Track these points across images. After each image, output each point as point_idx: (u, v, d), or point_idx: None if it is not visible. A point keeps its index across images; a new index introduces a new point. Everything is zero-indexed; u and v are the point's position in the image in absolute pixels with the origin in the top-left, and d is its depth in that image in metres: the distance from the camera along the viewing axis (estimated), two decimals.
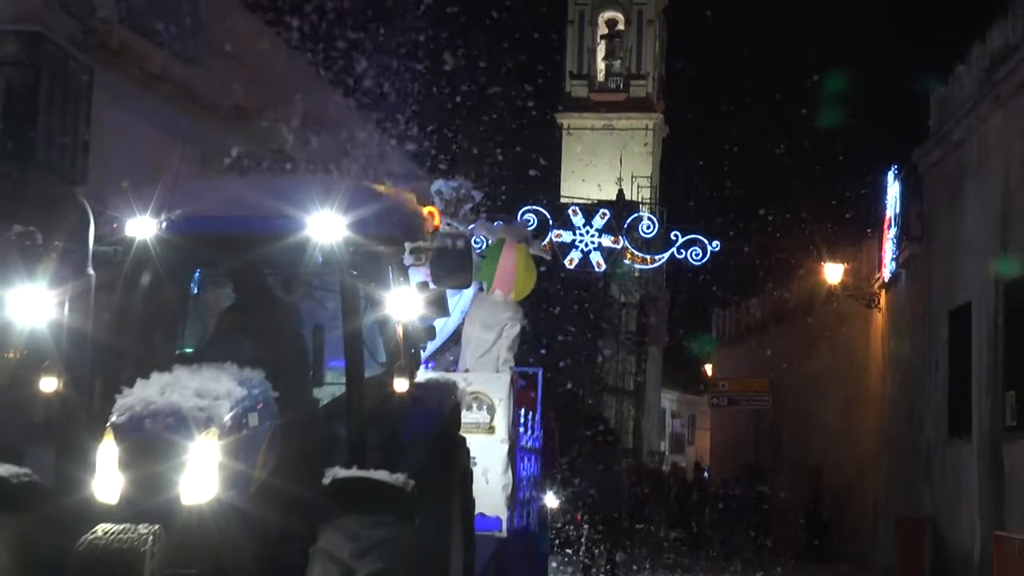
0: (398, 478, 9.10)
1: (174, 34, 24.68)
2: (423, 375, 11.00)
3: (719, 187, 43.46)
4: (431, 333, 10.98)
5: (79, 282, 9.24)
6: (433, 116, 20.47)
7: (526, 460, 14.80)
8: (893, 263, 27.93)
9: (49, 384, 9.12)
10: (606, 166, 51.27)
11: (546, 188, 45.19)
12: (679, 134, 56.97)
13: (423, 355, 11.22)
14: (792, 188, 43.54)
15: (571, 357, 36.76)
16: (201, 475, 8.58)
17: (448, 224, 13.82)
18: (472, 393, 13.31)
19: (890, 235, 27.76)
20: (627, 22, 56.52)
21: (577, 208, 38.45)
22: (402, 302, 9.86)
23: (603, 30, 56.97)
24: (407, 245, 9.97)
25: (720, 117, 56.12)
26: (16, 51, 21.73)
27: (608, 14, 56.85)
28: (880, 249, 28.72)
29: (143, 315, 9.83)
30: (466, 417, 12.99)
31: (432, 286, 9.98)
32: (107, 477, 8.61)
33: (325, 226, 9.58)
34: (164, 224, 9.58)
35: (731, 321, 47.48)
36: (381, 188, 10.31)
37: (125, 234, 9.68)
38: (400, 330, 10.07)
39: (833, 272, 31.49)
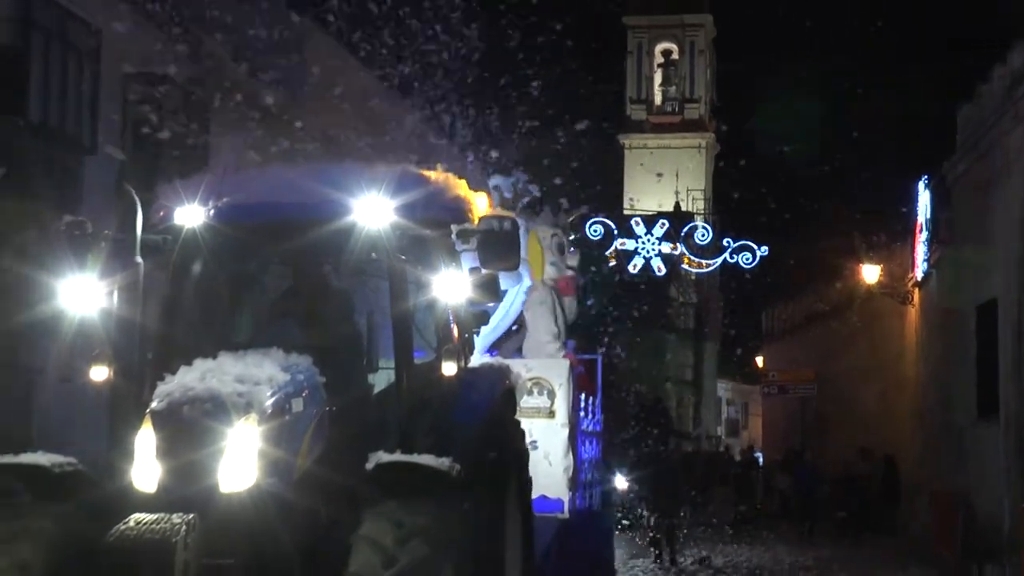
0: (443, 462, 7.57)
1: (279, 70, 23.86)
2: (478, 360, 9.47)
3: (767, 197, 42.20)
4: (483, 318, 9.45)
5: (128, 271, 7.88)
6: (508, 141, 19.24)
7: (587, 443, 13.23)
8: (925, 264, 27.09)
9: (99, 373, 7.79)
10: (664, 181, 50.12)
11: (611, 201, 44.19)
12: (730, 150, 55.88)
13: (477, 340, 9.70)
14: (833, 197, 42.08)
15: (636, 352, 35.59)
16: (240, 462, 7.17)
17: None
18: (532, 378, 11.80)
19: (922, 239, 27.03)
20: (680, 52, 55.98)
21: (639, 219, 37.57)
22: (451, 286, 8.38)
23: (659, 59, 56.47)
24: (454, 228, 8.45)
25: (766, 134, 54.66)
26: (143, 91, 21.21)
27: (663, 45, 56.27)
28: (913, 251, 28.01)
29: (192, 303, 8.48)
30: (527, 402, 11.62)
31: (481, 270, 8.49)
32: (145, 465, 7.22)
33: (372, 210, 8.16)
34: (212, 212, 8.20)
35: (779, 317, 46.24)
36: (428, 172, 8.81)
37: (174, 222, 8.32)
38: (451, 315, 8.63)
39: (870, 272, 30.64)
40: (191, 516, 6.96)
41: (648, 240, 36.25)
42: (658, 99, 56.24)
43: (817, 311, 40.10)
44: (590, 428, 13.33)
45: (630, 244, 36.07)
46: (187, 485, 7.12)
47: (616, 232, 36.06)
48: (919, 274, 27.62)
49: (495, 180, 12.61)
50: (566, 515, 11.95)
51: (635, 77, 56.00)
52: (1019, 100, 20.54)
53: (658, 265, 36.50)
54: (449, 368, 8.17)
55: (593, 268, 25.01)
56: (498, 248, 8.23)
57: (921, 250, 26.99)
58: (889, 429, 31.55)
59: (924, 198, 26.55)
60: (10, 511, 7.47)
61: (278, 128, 21.85)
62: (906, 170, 30.38)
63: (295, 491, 7.40)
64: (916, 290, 28.69)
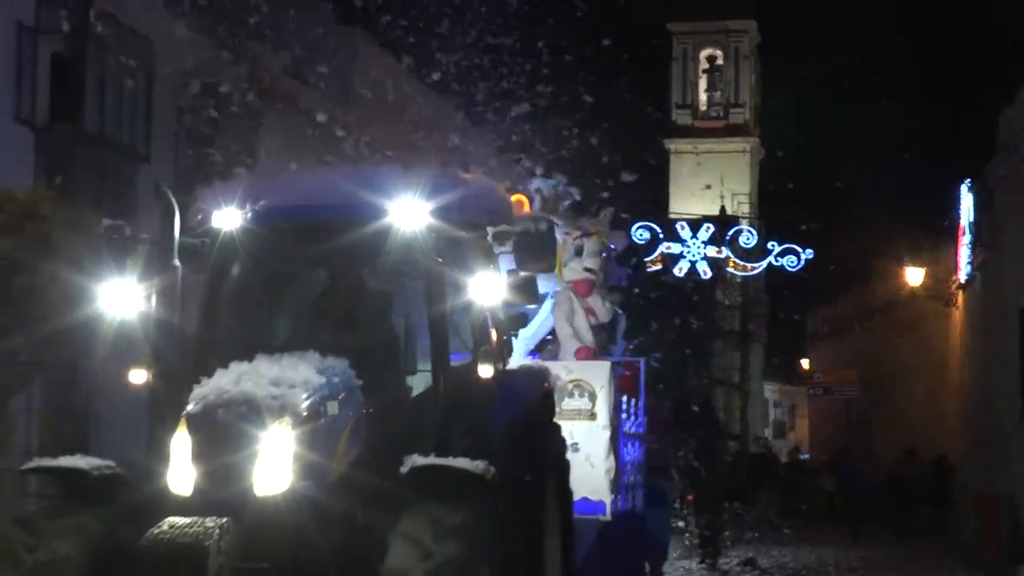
0: (478, 465, 7.33)
1: (327, 80, 23.89)
2: (517, 362, 9.25)
3: (812, 200, 41.80)
4: (522, 320, 9.23)
5: (166, 274, 7.74)
6: (553, 150, 19.02)
7: (629, 445, 13.00)
8: (968, 266, 26.74)
9: (138, 376, 7.66)
10: (709, 185, 49.78)
11: (656, 207, 43.83)
12: (774, 154, 55.37)
13: (516, 343, 9.48)
14: (876, 200, 41.57)
15: (682, 355, 35.24)
16: (275, 465, 6.96)
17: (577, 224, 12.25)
18: (573, 380, 11.57)
19: (965, 241, 26.66)
20: (725, 58, 55.39)
21: (684, 223, 37.24)
22: (488, 288, 8.14)
23: (704, 65, 55.88)
24: (490, 229, 8.25)
25: (811, 137, 54.22)
26: (197, 99, 21.43)
27: (708, 51, 55.69)
28: (956, 254, 27.39)
29: (230, 306, 8.29)
30: (568, 404, 11.42)
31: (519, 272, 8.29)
32: (181, 468, 7.06)
33: (408, 212, 7.94)
34: (248, 214, 8.01)
35: (824, 319, 45.72)
36: (464, 175, 8.62)
37: (212, 225, 8.14)
38: (489, 317, 8.40)
39: (914, 275, 30.15)
40: (225, 520, 6.78)
41: (693, 244, 36.00)
42: (703, 104, 55.84)
43: (862, 313, 39.65)
44: (632, 430, 13.11)
45: (676, 248, 35.87)
46: (222, 488, 6.95)
47: (662, 236, 35.86)
48: (962, 277, 27.26)
49: (536, 183, 12.42)
50: (608, 517, 11.73)
51: (680, 83, 55.47)
52: None
53: (703, 268, 36.22)
54: (485, 370, 7.95)
55: (637, 290, 24.70)
56: (534, 249, 8.03)
57: (964, 253, 26.63)
58: (935, 431, 31.13)
59: (967, 201, 26.20)
60: (49, 512, 7.36)
61: (326, 135, 21.84)
62: (948, 173, 29.96)
63: (330, 494, 7.20)
64: (960, 293, 28.36)
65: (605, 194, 18.06)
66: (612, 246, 12.91)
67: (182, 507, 6.97)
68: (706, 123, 55.19)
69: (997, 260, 24.62)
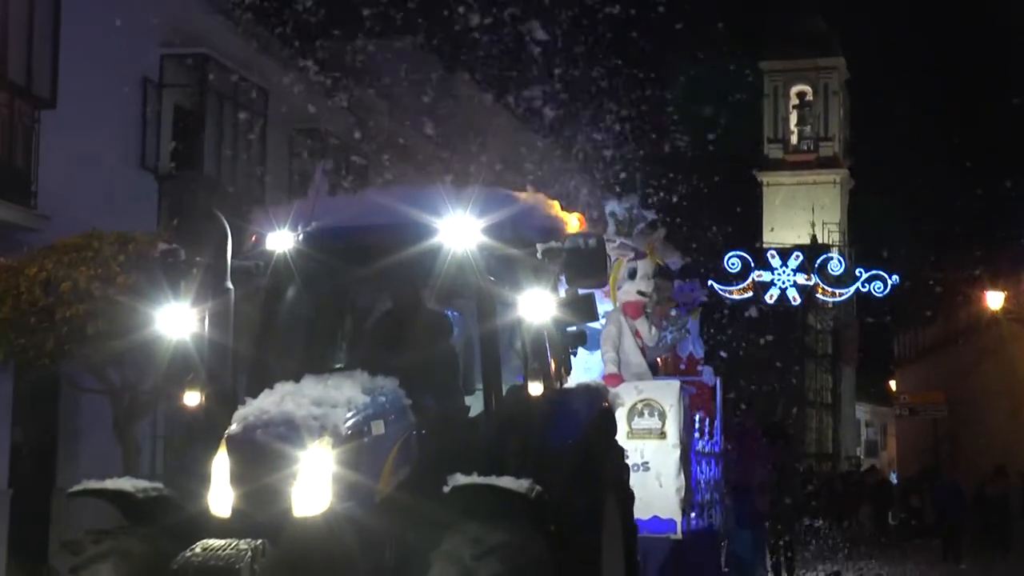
0: (522, 483, 6.66)
1: (433, 124, 23.64)
2: (577, 380, 8.55)
3: (899, 228, 40.66)
4: (581, 338, 8.54)
5: (219, 298, 7.22)
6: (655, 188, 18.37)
7: (704, 464, 12.22)
8: None
9: (192, 398, 7.17)
10: (800, 215, 49.02)
11: (749, 236, 43.05)
12: (863, 184, 54.71)
13: (587, 361, 8.78)
14: (959, 224, 40.35)
15: (775, 377, 34.36)
16: (314, 486, 6.33)
17: (623, 243, 11.55)
18: (643, 400, 10.88)
19: None
20: (815, 93, 54.70)
21: (775, 252, 36.46)
22: (540, 305, 7.41)
23: (794, 101, 55.32)
24: (539, 246, 7.48)
25: (898, 169, 53.15)
26: (305, 145, 21.42)
27: (798, 87, 55.06)
28: None
29: (282, 327, 7.72)
30: (638, 423, 10.80)
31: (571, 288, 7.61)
32: (220, 489, 6.46)
33: (460, 231, 7.30)
34: (300, 236, 7.44)
35: (910, 343, 44.39)
36: (517, 193, 7.98)
37: (265, 247, 7.58)
38: (545, 335, 7.72)
39: (994, 299, 28.68)
40: (260, 542, 6.17)
41: (783, 272, 35.24)
42: (794, 138, 55.27)
43: (947, 336, 38.38)
44: (707, 449, 12.34)
45: (766, 276, 35.12)
46: (260, 510, 6.35)
47: (753, 265, 35.18)
48: None
49: (610, 205, 11.77)
50: (679, 536, 10.97)
51: (772, 118, 55.06)
52: None
53: (793, 295, 35.44)
54: (535, 387, 7.27)
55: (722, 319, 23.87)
56: (583, 266, 7.27)
57: None
58: (1020, 449, 29.78)
59: None
60: (95, 535, 6.86)
61: (429, 173, 21.53)
62: None
63: (375, 515, 6.57)
64: None
65: (713, 229, 17.36)
66: (670, 265, 12.17)
67: (221, 529, 6.38)
68: (797, 156, 54.75)
69: None
